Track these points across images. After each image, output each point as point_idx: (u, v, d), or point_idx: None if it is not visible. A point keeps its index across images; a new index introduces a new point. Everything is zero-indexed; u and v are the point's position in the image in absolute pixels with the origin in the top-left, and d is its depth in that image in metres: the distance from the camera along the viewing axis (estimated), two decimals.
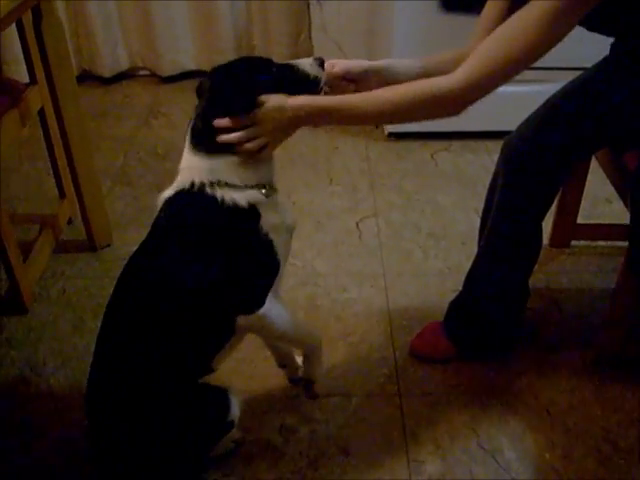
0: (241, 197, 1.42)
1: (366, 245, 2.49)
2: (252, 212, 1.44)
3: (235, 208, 1.42)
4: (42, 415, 1.86)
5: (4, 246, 2.06)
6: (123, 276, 1.54)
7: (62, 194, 2.56)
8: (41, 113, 2.35)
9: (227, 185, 1.42)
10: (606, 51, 1.79)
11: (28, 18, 2.10)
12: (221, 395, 1.58)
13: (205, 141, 1.42)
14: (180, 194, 1.44)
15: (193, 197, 1.42)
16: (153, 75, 3.85)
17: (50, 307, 2.23)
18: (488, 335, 2.00)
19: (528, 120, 1.81)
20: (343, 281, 2.33)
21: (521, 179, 1.78)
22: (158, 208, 1.48)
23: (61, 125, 2.25)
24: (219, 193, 1.41)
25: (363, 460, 1.73)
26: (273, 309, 1.53)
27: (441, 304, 2.10)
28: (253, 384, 1.68)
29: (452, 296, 2.06)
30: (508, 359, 2.02)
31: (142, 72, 3.89)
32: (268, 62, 1.50)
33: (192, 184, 1.42)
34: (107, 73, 3.76)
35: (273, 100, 1.43)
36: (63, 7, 3.51)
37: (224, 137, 1.40)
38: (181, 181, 1.45)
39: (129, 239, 2.52)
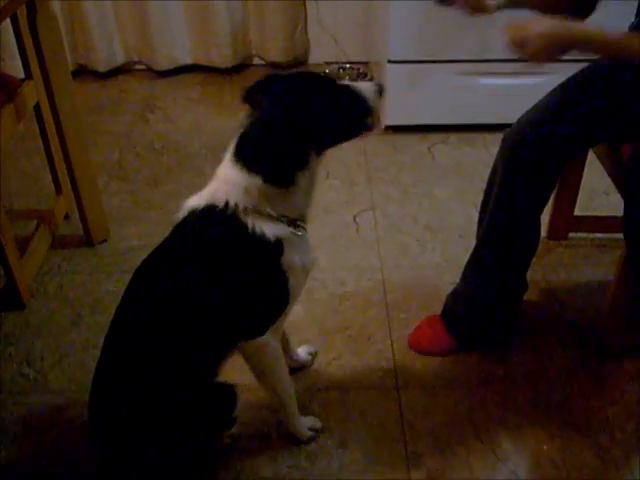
0: (270, 229, 1.41)
1: (363, 238, 2.49)
2: (277, 247, 1.43)
3: (262, 240, 1.40)
4: (40, 410, 1.86)
5: (1, 242, 2.05)
6: (135, 282, 1.53)
7: (58, 190, 2.56)
8: (37, 108, 2.34)
9: (260, 213, 1.40)
10: None
11: (23, 13, 2.09)
12: (228, 391, 1.58)
13: (251, 160, 1.39)
14: (211, 210, 1.41)
15: (224, 219, 1.40)
16: (149, 70, 3.83)
17: (47, 302, 2.23)
18: (485, 327, 2.01)
19: (528, 113, 1.81)
20: (340, 274, 2.32)
21: (520, 172, 1.78)
22: (182, 214, 1.46)
23: (57, 120, 2.24)
24: (250, 221, 1.40)
25: (361, 453, 1.73)
26: (271, 343, 1.56)
27: (439, 297, 2.10)
28: (250, 378, 1.67)
29: (449, 289, 2.06)
30: (505, 351, 2.02)
31: (138, 67, 3.87)
32: (331, 85, 1.48)
33: (227, 204, 1.40)
34: (103, 68, 3.74)
35: (539, 26, 1.50)
36: (58, 2, 3.49)
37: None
38: (214, 195, 1.42)
39: (126, 234, 2.52)
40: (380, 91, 1.50)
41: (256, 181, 1.38)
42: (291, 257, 1.46)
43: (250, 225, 1.40)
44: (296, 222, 1.47)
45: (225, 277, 1.43)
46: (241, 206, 1.39)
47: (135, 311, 1.51)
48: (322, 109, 1.41)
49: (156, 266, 1.50)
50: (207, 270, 1.42)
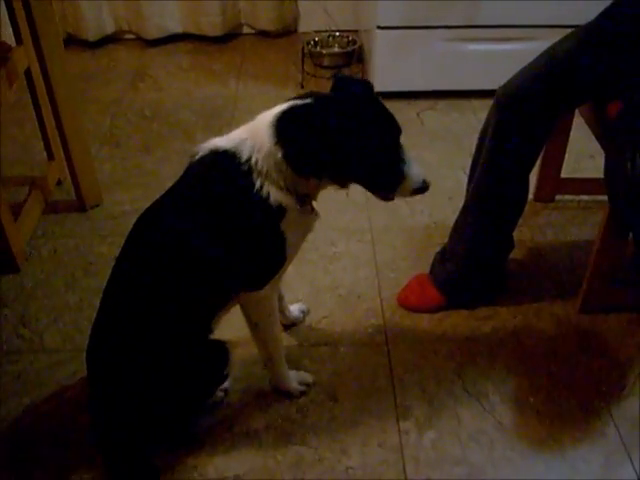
0: (275, 196, 1.44)
1: (353, 201, 2.51)
2: (277, 211, 1.46)
3: (264, 202, 1.44)
4: (36, 368, 1.89)
5: None
6: (137, 228, 1.56)
7: (50, 156, 2.57)
8: (28, 75, 2.35)
9: (272, 179, 1.43)
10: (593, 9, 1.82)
11: None
12: (220, 348, 1.62)
13: (284, 135, 1.42)
14: (231, 159, 1.44)
15: (238, 173, 1.43)
16: (138, 39, 3.83)
17: (42, 266, 2.26)
18: (473, 285, 2.05)
19: (521, 71, 1.84)
20: (331, 236, 2.35)
21: (512, 129, 1.82)
22: (202, 152, 1.49)
23: (48, 86, 2.25)
24: (259, 183, 1.43)
25: (352, 406, 1.78)
26: (269, 296, 1.62)
27: (427, 257, 2.14)
28: (242, 334, 1.71)
29: (438, 249, 2.10)
30: (493, 308, 2.06)
31: (127, 36, 3.87)
32: (393, 145, 1.50)
33: (248, 159, 1.43)
34: (92, 37, 3.73)
35: None
36: None
37: None
38: (242, 144, 1.45)
39: (118, 199, 2.55)
40: (421, 188, 1.57)
41: (278, 152, 1.42)
42: (291, 222, 1.49)
43: (257, 186, 1.43)
44: (304, 198, 1.50)
45: (225, 229, 1.46)
46: (259, 167, 1.43)
47: (134, 258, 1.55)
48: (366, 158, 1.44)
49: (159, 211, 1.54)
50: (208, 218, 1.46)
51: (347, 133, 1.40)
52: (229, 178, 1.45)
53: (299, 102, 1.46)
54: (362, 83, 1.54)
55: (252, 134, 1.46)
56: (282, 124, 1.43)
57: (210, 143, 1.49)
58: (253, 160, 1.43)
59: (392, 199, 1.61)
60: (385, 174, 1.52)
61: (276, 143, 1.42)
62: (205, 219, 1.46)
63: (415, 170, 1.53)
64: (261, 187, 1.43)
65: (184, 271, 1.49)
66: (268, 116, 1.46)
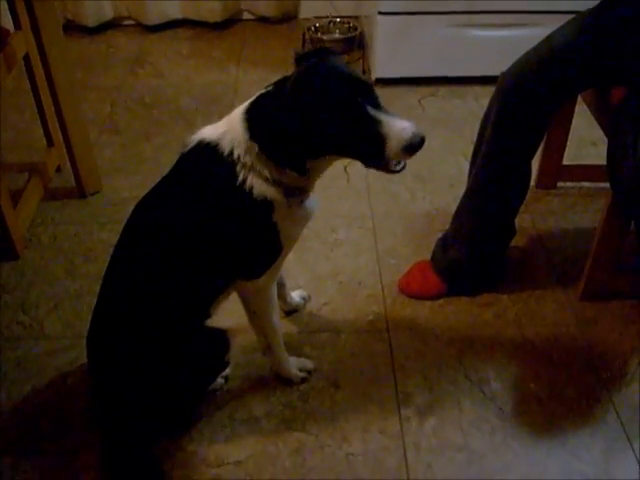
0: (260, 189, 1.42)
1: (354, 188, 2.51)
2: (264, 204, 1.44)
3: (248, 196, 1.42)
4: (36, 355, 1.89)
5: None
6: (133, 218, 1.55)
7: (50, 142, 2.56)
8: (27, 61, 2.33)
9: (256, 172, 1.41)
10: None
11: None
12: (221, 336, 1.62)
13: (255, 128, 1.40)
14: (215, 151, 1.43)
15: (222, 166, 1.42)
16: (138, 24, 3.80)
17: (41, 252, 2.25)
18: (474, 271, 2.04)
19: (523, 57, 1.83)
20: (332, 223, 2.35)
21: (514, 114, 1.81)
22: (192, 143, 1.48)
23: (47, 71, 2.24)
24: (242, 176, 1.41)
25: (353, 392, 1.78)
26: (267, 286, 1.60)
27: (428, 244, 2.13)
28: (242, 321, 1.71)
29: (439, 236, 2.09)
30: (494, 295, 2.06)
31: (127, 22, 3.84)
32: (360, 110, 1.31)
33: (231, 152, 1.41)
34: (91, 23, 3.71)
35: None
36: None
37: None
38: (224, 137, 1.43)
39: (118, 186, 2.54)
40: (413, 145, 1.31)
41: (254, 146, 1.40)
42: (282, 213, 1.47)
43: (240, 179, 1.41)
44: (294, 189, 1.47)
45: (214, 222, 1.45)
46: (242, 160, 1.41)
47: (132, 246, 1.54)
48: (332, 128, 1.32)
49: (154, 201, 1.53)
50: (198, 212, 1.45)
51: (294, 112, 1.32)
52: (213, 172, 1.44)
53: (264, 91, 1.44)
54: (317, 53, 1.45)
55: (230, 127, 1.44)
56: (251, 117, 1.42)
57: (198, 134, 1.48)
58: (235, 154, 1.41)
59: (386, 168, 1.40)
60: (358, 141, 1.33)
61: (250, 138, 1.40)
62: (195, 213, 1.45)
63: (397, 126, 1.30)
64: (244, 181, 1.41)
65: (179, 260, 1.48)
66: (241, 109, 1.45)
